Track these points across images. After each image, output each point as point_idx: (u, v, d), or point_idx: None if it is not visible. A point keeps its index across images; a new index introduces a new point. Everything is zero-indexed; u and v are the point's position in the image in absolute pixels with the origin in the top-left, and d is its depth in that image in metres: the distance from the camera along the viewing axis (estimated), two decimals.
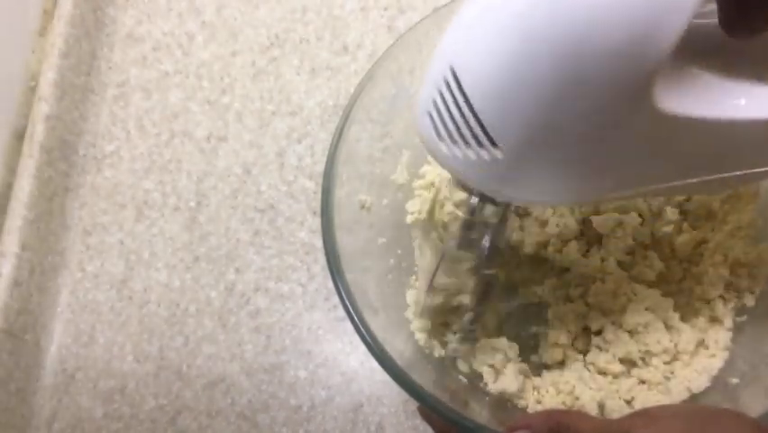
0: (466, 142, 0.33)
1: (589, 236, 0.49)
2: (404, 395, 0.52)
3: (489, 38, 0.31)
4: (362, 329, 0.40)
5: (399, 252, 0.50)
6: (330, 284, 0.56)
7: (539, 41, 0.29)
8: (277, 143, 0.61)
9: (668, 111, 0.30)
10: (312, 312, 0.56)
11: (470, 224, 0.41)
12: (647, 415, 0.33)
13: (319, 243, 0.57)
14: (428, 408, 0.38)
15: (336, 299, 0.55)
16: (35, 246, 0.58)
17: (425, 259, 0.49)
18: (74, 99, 0.64)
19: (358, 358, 0.54)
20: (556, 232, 0.49)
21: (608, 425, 0.32)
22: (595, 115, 0.31)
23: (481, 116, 0.32)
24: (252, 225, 0.59)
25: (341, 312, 0.55)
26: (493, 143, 0.32)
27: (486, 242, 0.42)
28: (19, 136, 0.61)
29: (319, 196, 0.58)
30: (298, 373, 0.54)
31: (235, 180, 0.60)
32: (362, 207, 0.48)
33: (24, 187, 0.58)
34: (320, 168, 0.60)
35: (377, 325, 0.41)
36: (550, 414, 0.34)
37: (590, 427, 0.32)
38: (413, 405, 0.51)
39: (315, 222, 0.58)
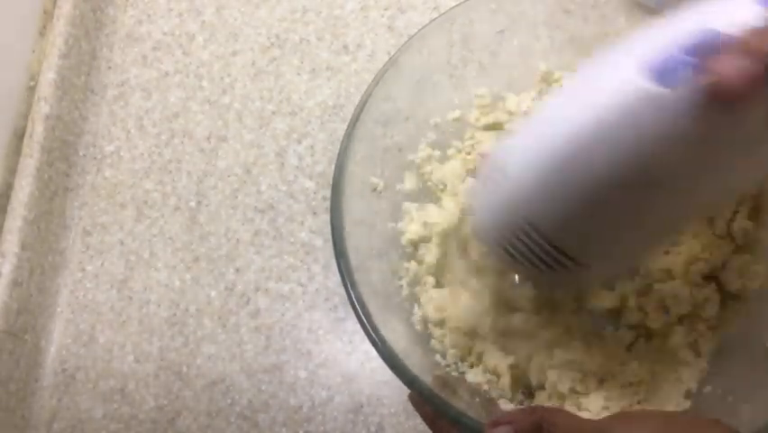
0: (548, 266, 0.37)
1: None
2: (404, 395, 0.52)
3: (565, 190, 0.34)
4: (358, 307, 0.41)
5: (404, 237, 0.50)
6: (330, 284, 0.56)
7: (604, 177, 0.33)
8: (277, 143, 0.61)
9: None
10: (312, 312, 0.56)
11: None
12: (628, 416, 0.34)
13: (319, 243, 0.57)
14: (416, 392, 0.39)
15: (336, 300, 0.55)
16: (35, 246, 0.58)
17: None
18: (74, 99, 0.64)
19: (358, 358, 0.54)
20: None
21: (588, 423, 0.33)
22: (668, 204, 0.34)
23: (564, 249, 0.36)
24: (252, 225, 0.59)
25: (341, 312, 0.55)
26: (577, 263, 0.37)
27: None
28: (19, 136, 0.61)
29: (319, 196, 0.59)
30: (298, 373, 0.54)
31: (235, 180, 0.60)
32: (374, 189, 0.48)
33: (24, 187, 0.58)
34: (320, 168, 0.60)
35: (375, 307, 0.41)
36: (533, 410, 0.34)
37: (572, 424, 0.33)
38: (412, 406, 0.51)
39: (316, 222, 0.58)
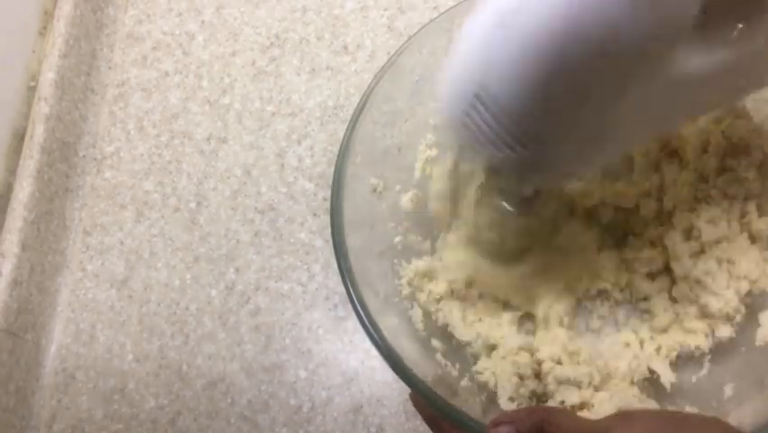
0: (497, 147, 0.37)
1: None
2: (404, 396, 0.52)
3: (515, 56, 0.33)
4: (358, 306, 0.41)
5: (404, 236, 0.50)
6: (330, 284, 0.56)
7: (569, 46, 0.32)
8: (277, 144, 0.61)
9: (684, 70, 0.34)
10: (312, 312, 0.56)
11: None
12: (627, 415, 0.34)
13: (319, 243, 0.57)
14: (416, 391, 0.39)
15: (336, 299, 0.55)
16: (35, 246, 0.58)
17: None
18: (74, 99, 0.64)
19: (358, 358, 0.54)
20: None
21: (588, 423, 0.33)
22: (624, 89, 0.34)
23: (512, 126, 0.35)
24: (252, 225, 0.59)
25: (341, 312, 0.55)
26: (524, 146, 0.36)
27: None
28: (19, 136, 0.61)
29: (319, 197, 0.59)
30: (298, 373, 0.54)
31: (235, 181, 0.60)
32: (374, 190, 0.48)
33: (24, 187, 0.58)
34: (320, 169, 0.60)
35: (375, 306, 0.41)
36: (534, 410, 0.35)
37: (572, 424, 0.33)
38: (413, 406, 0.51)
39: (315, 222, 0.58)
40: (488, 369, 0.46)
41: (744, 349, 0.44)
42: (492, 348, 0.47)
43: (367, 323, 0.41)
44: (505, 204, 0.49)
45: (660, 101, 0.36)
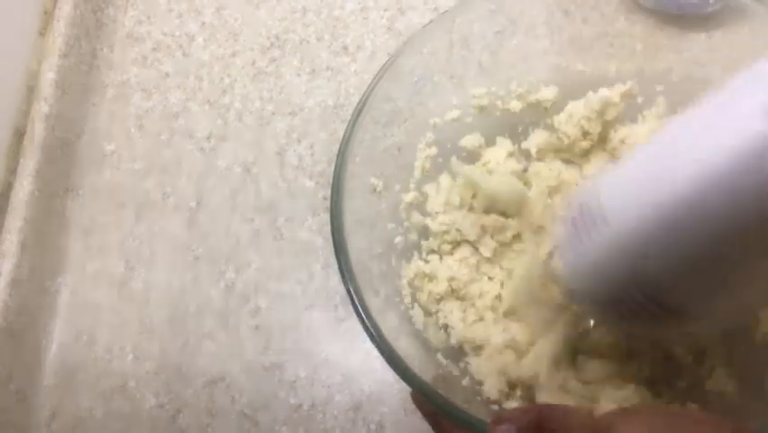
0: (647, 321, 0.35)
1: None
2: (404, 394, 0.52)
3: (685, 245, 0.31)
4: (359, 306, 0.41)
5: (404, 236, 0.50)
6: (330, 284, 0.56)
7: (729, 232, 0.30)
8: (277, 143, 0.61)
9: None
10: (312, 312, 0.56)
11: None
12: (629, 412, 0.33)
13: (319, 242, 0.57)
14: (417, 391, 0.39)
15: (337, 299, 0.56)
16: (35, 246, 0.58)
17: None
18: (74, 99, 0.64)
19: (358, 357, 0.54)
20: None
21: (589, 419, 0.33)
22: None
23: (667, 304, 0.33)
24: (252, 224, 0.59)
25: (341, 312, 0.55)
26: (679, 319, 0.34)
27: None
28: (19, 136, 0.61)
29: (319, 196, 0.59)
30: (298, 372, 0.54)
31: (235, 180, 0.61)
32: (373, 190, 0.48)
33: (24, 187, 0.58)
34: (320, 168, 0.60)
35: (376, 306, 0.41)
36: (534, 407, 0.35)
37: (572, 420, 0.33)
38: (413, 404, 0.51)
39: (315, 222, 0.58)
40: (480, 367, 0.46)
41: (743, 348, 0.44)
42: (480, 348, 0.47)
43: (368, 323, 0.41)
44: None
45: None
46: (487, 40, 0.51)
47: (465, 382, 0.46)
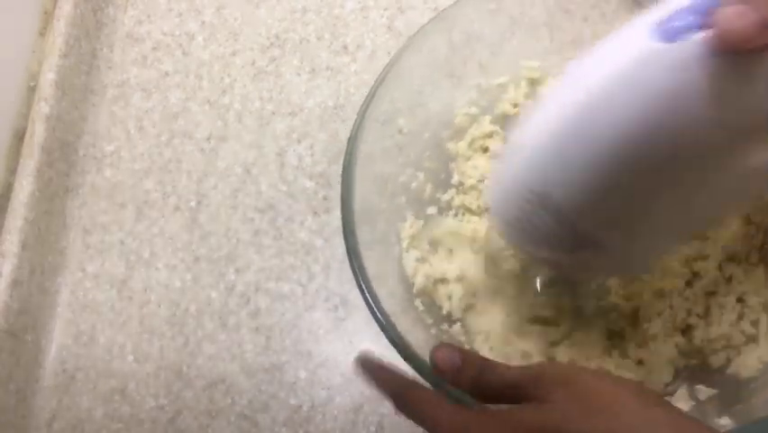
0: (564, 250, 0.37)
1: None
2: None
3: (581, 162, 0.33)
4: (376, 308, 0.41)
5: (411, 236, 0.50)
6: (330, 284, 0.56)
7: (643, 151, 0.31)
8: (277, 143, 0.61)
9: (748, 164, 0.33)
10: (312, 312, 0.56)
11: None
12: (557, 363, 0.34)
13: (319, 243, 0.57)
14: (401, 354, 0.39)
15: (337, 300, 0.55)
16: (35, 246, 0.58)
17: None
18: (74, 99, 0.64)
19: None
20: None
21: (517, 372, 0.34)
22: (689, 185, 0.33)
23: (580, 228, 0.35)
24: (252, 225, 0.59)
25: (341, 312, 0.55)
26: (591, 243, 0.36)
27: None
28: (19, 136, 0.61)
29: (319, 196, 0.59)
30: (298, 374, 0.54)
31: (235, 180, 0.60)
32: (379, 189, 0.48)
33: (24, 187, 0.58)
34: (320, 168, 0.60)
35: (390, 307, 0.41)
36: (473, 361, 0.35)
37: (499, 378, 0.34)
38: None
39: (316, 222, 0.58)
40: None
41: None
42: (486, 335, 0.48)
43: (383, 321, 0.40)
44: (538, 280, 0.48)
45: (715, 192, 0.35)
46: (487, 39, 0.51)
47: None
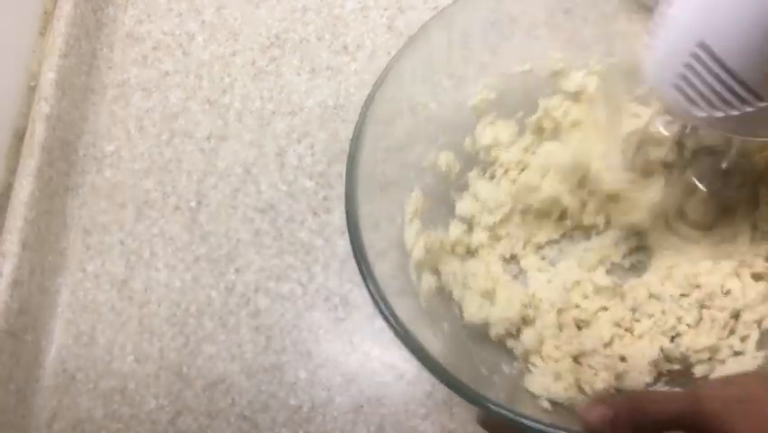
0: (727, 104, 0.35)
1: None
2: (405, 396, 0.52)
3: (743, 11, 0.32)
4: (392, 320, 0.40)
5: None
6: (330, 284, 0.56)
7: None
8: (277, 143, 0.61)
9: None
10: (312, 312, 0.56)
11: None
12: (723, 379, 0.33)
13: (319, 243, 0.57)
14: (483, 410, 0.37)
15: (337, 300, 0.55)
16: (35, 246, 0.58)
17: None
18: (74, 99, 0.64)
19: (358, 359, 0.54)
20: None
21: (675, 406, 0.32)
22: None
23: (743, 76, 0.34)
24: (253, 225, 0.59)
25: (341, 312, 0.55)
26: (759, 97, 0.34)
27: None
28: (19, 136, 0.61)
29: (320, 196, 0.59)
30: (298, 374, 0.54)
31: (235, 180, 0.60)
32: (382, 188, 0.48)
33: (24, 187, 0.58)
34: (320, 168, 0.60)
35: (407, 317, 0.41)
36: (626, 400, 0.34)
37: (659, 409, 0.32)
38: (413, 406, 0.51)
39: (316, 222, 0.58)
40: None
41: None
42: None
43: (401, 333, 0.40)
44: (696, 181, 0.46)
45: None
46: (487, 39, 0.50)
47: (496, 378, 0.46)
